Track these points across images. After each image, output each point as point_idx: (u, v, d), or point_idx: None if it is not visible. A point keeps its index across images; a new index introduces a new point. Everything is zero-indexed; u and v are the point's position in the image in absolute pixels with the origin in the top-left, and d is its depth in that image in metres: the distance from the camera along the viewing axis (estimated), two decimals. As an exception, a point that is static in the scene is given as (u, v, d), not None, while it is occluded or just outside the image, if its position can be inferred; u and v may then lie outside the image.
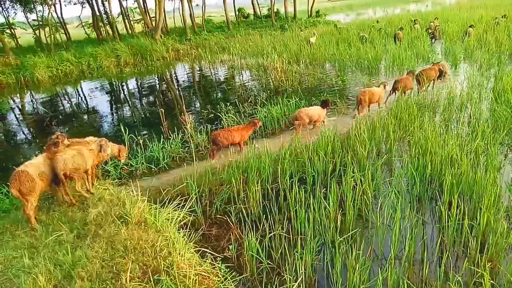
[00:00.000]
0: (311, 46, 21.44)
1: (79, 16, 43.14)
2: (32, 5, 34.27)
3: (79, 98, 19.31)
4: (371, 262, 4.93)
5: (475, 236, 5.18)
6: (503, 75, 11.64)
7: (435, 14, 32.67)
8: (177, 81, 21.03)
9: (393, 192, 6.18)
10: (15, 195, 5.53)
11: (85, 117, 15.67)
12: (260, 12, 45.47)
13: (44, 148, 6.39)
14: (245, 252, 5.25)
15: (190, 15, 37.55)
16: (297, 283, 4.58)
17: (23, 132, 14.12)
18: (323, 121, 10.07)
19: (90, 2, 35.27)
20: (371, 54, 16.89)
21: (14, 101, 19.88)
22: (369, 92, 10.42)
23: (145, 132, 11.75)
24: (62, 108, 17.62)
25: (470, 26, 20.98)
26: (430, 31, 21.69)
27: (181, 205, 6.12)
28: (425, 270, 4.67)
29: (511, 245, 5.12)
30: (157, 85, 21.07)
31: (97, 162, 6.95)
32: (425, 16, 32.28)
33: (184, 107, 11.17)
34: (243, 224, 6.07)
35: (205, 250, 5.29)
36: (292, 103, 11.45)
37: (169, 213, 5.85)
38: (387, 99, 11.39)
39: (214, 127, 10.41)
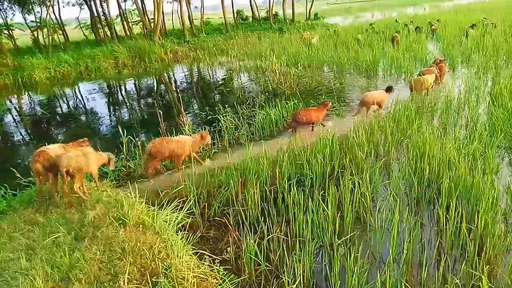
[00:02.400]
0: (311, 47, 21.50)
1: (78, 18, 43.06)
2: (30, 6, 34.21)
3: (77, 99, 19.28)
4: (369, 265, 4.94)
5: (473, 239, 5.18)
6: (500, 78, 11.71)
7: (433, 17, 32.84)
8: (176, 83, 21.04)
9: (391, 195, 6.19)
10: (35, 171, 6.39)
11: (83, 118, 15.64)
12: (258, 15, 45.54)
13: (71, 144, 7.23)
14: (243, 254, 5.24)
15: (189, 17, 37.62)
16: (295, 285, 4.58)
17: (20, 133, 14.07)
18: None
19: (89, 3, 35.26)
20: (369, 57, 16.96)
21: (11, 102, 19.82)
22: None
23: (143, 133, 11.74)
24: (60, 109, 17.59)
25: (471, 27, 21.20)
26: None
27: (179, 207, 6.10)
28: (423, 273, 4.67)
29: (509, 248, 5.14)
30: (155, 87, 21.06)
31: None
32: (423, 19, 32.45)
33: (182, 109, 11.15)
34: (241, 226, 6.07)
35: (203, 252, 5.27)
36: (290, 105, 11.46)
37: (167, 215, 5.83)
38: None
39: (212, 129, 10.39)
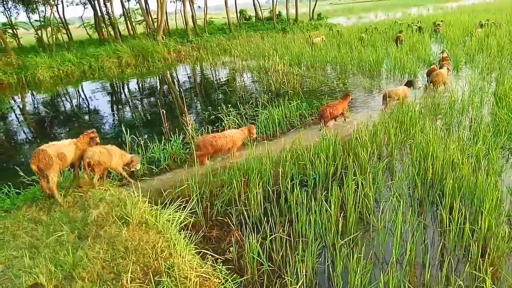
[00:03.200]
0: (314, 47, 21.48)
1: (81, 17, 43.18)
2: (35, 5, 34.31)
3: (81, 98, 19.34)
4: (372, 266, 4.93)
5: (476, 241, 5.16)
6: (504, 79, 11.66)
7: (437, 18, 32.72)
8: (178, 83, 21.06)
9: (394, 196, 6.18)
10: (34, 170, 6.38)
11: (86, 117, 15.67)
12: (261, 14, 45.55)
13: (81, 136, 7.32)
14: (246, 254, 5.24)
15: (192, 16, 37.63)
16: (298, 285, 4.58)
17: (23, 132, 14.13)
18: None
19: (92, 2, 35.36)
20: (372, 57, 16.91)
21: (15, 100, 19.90)
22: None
23: (146, 133, 11.76)
24: (63, 108, 17.65)
25: (480, 26, 21.26)
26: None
27: (182, 206, 6.12)
28: (427, 274, 4.65)
29: (513, 249, 5.11)
30: (158, 86, 21.10)
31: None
32: (427, 20, 32.35)
33: (185, 109, 11.15)
34: (244, 226, 6.07)
35: (206, 252, 5.28)
36: (293, 105, 11.46)
37: (170, 215, 5.85)
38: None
39: (215, 129, 10.40)
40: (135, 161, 7.85)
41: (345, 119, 10.52)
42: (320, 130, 9.87)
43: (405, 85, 11.59)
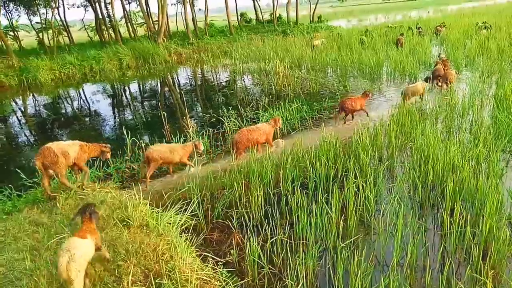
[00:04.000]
0: (314, 50, 21.52)
1: (82, 19, 43.37)
2: (36, 8, 34.43)
3: (82, 101, 19.38)
4: (373, 268, 4.92)
5: (477, 244, 5.15)
6: (504, 81, 11.67)
7: (437, 20, 32.79)
8: (179, 85, 21.11)
9: (395, 198, 6.18)
10: (38, 167, 6.48)
11: (87, 120, 15.71)
12: (262, 17, 45.65)
13: (93, 143, 7.34)
14: (246, 257, 5.24)
15: (193, 19, 37.73)
16: (298, 288, 4.57)
17: (25, 134, 14.16)
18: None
19: (93, 5, 35.48)
20: (372, 59, 16.94)
21: (16, 103, 19.96)
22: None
23: (147, 135, 11.78)
24: (64, 110, 17.68)
25: (485, 28, 21.42)
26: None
27: (183, 209, 6.12)
28: (427, 277, 4.65)
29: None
30: (159, 89, 21.14)
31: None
32: (427, 23, 32.41)
33: (186, 111, 11.19)
34: (244, 228, 6.07)
35: (207, 254, 5.29)
36: (294, 108, 11.48)
37: (171, 217, 5.85)
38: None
39: (215, 131, 10.43)
40: (198, 146, 8.32)
41: (367, 114, 10.93)
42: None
43: (424, 80, 12.26)
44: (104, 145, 7.52)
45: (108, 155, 7.54)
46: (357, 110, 10.74)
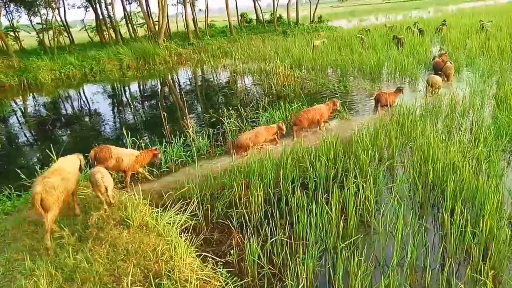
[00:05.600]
0: (315, 50, 21.51)
1: (83, 20, 43.40)
2: (36, 9, 34.47)
3: (82, 101, 19.39)
4: (373, 269, 4.91)
5: (477, 244, 5.14)
6: (505, 81, 11.65)
7: (438, 20, 32.77)
8: (180, 85, 21.11)
9: (395, 198, 6.17)
10: (90, 156, 7.39)
11: (88, 120, 15.72)
12: (262, 17, 45.64)
13: (144, 151, 8.09)
14: (246, 257, 5.23)
15: (193, 19, 37.75)
16: (298, 289, 4.56)
17: (25, 135, 14.16)
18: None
19: (94, 6, 35.51)
20: (373, 60, 16.92)
21: (16, 103, 19.95)
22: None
23: (147, 135, 11.78)
24: (64, 111, 17.69)
25: (490, 21, 21.73)
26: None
27: (182, 209, 6.12)
28: (428, 277, 4.64)
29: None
30: (160, 89, 21.14)
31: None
32: (428, 23, 32.40)
33: (186, 111, 11.18)
34: (244, 228, 6.06)
35: (207, 254, 5.28)
36: (294, 108, 11.46)
37: (171, 217, 5.86)
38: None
39: (216, 131, 10.41)
40: (281, 127, 9.38)
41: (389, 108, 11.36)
42: (321, 131, 9.93)
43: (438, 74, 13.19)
44: (154, 148, 8.19)
45: (160, 156, 8.23)
46: (390, 104, 11.11)
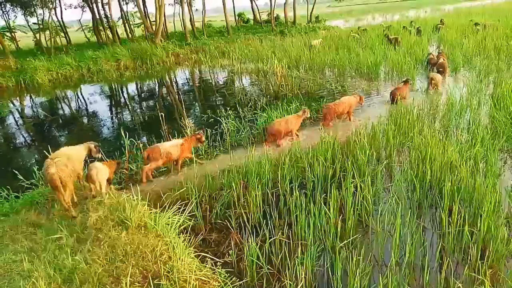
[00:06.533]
0: (311, 50, 21.54)
1: (80, 20, 43.26)
2: (33, 9, 34.35)
3: (79, 101, 19.33)
4: (371, 268, 4.93)
5: (475, 243, 5.17)
6: (502, 81, 11.70)
7: (436, 20, 32.87)
8: (177, 86, 21.08)
9: (393, 198, 6.19)
10: (144, 155, 7.98)
11: (85, 120, 15.68)
12: (260, 17, 45.64)
13: (188, 138, 8.80)
14: (245, 257, 5.25)
15: (190, 19, 37.71)
16: (297, 289, 4.57)
17: (22, 136, 14.11)
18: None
19: (91, 6, 35.40)
20: (370, 60, 16.95)
21: (13, 104, 19.86)
22: None
23: (145, 136, 11.76)
24: (62, 111, 17.64)
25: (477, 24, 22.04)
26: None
27: (181, 209, 6.11)
28: (426, 276, 4.66)
29: (512, 252, 5.12)
30: (157, 89, 21.11)
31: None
32: (424, 22, 32.48)
33: (184, 111, 11.18)
34: (243, 229, 6.08)
35: (205, 255, 5.28)
36: (292, 108, 11.47)
37: (169, 218, 5.85)
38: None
39: (213, 132, 10.40)
40: (307, 112, 9.90)
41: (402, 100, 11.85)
42: (320, 129, 9.99)
43: (438, 72, 13.88)
44: (196, 133, 8.81)
45: (203, 139, 8.76)
46: (404, 97, 11.82)
